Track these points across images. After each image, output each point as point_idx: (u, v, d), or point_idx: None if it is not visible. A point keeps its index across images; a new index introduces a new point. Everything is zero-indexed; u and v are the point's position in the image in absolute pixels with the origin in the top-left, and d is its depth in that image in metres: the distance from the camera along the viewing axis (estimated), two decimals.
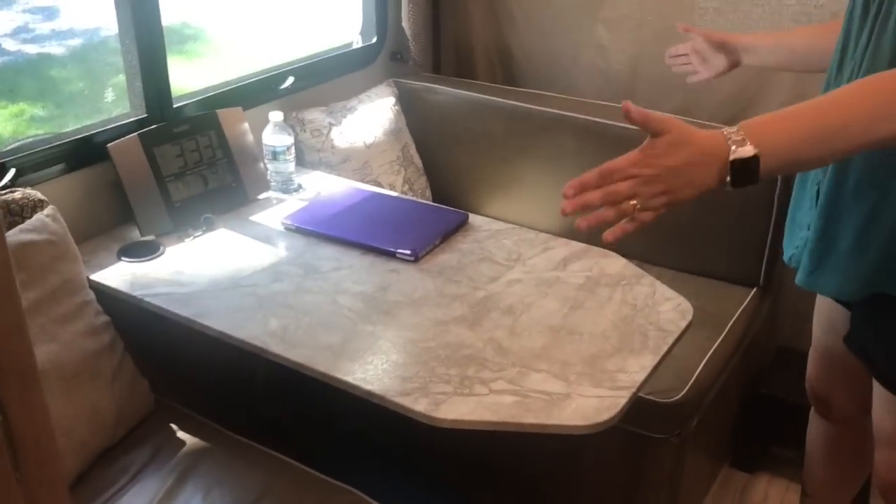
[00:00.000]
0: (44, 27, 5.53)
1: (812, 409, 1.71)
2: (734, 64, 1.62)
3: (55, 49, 5.36)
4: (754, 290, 2.07)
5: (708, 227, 2.09)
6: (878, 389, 1.35)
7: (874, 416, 1.40)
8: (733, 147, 0.98)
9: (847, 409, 1.62)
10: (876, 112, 0.98)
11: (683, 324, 1.41)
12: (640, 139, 2.24)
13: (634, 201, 1.01)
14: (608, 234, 1.02)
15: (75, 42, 5.15)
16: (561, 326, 1.40)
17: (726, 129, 1.00)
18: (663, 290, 1.51)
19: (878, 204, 1.19)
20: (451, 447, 1.37)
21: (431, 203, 1.98)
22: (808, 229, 1.32)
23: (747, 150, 0.97)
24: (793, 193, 1.42)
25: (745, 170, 0.97)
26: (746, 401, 2.17)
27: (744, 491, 2.15)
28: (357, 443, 1.80)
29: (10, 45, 5.29)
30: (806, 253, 1.31)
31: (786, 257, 1.42)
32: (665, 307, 1.46)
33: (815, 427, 1.72)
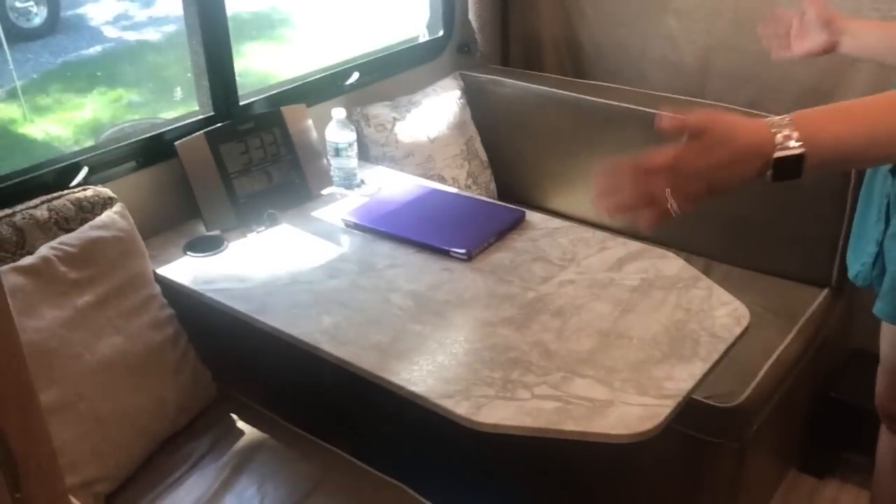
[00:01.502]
0: (142, 14, 5.75)
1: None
2: (832, 46, 1.49)
3: (152, 35, 5.57)
4: (826, 290, 2.00)
5: (778, 225, 2.02)
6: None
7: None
8: (779, 143, 0.91)
9: None
10: None
11: (738, 330, 1.38)
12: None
13: (670, 199, 0.95)
14: (643, 224, 0.96)
15: (170, 28, 5.35)
16: (610, 330, 1.38)
17: (773, 121, 0.92)
18: (720, 294, 1.47)
19: None
20: (502, 447, 1.38)
21: (489, 200, 1.98)
22: (876, 245, 1.25)
23: (794, 149, 0.90)
24: (859, 201, 1.36)
25: (788, 167, 0.91)
26: (817, 404, 2.09)
27: (811, 496, 2.09)
28: (409, 439, 1.83)
29: (111, 33, 5.52)
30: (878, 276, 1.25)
31: (851, 274, 1.36)
32: (720, 312, 1.42)
33: (885, 441, 1.66)
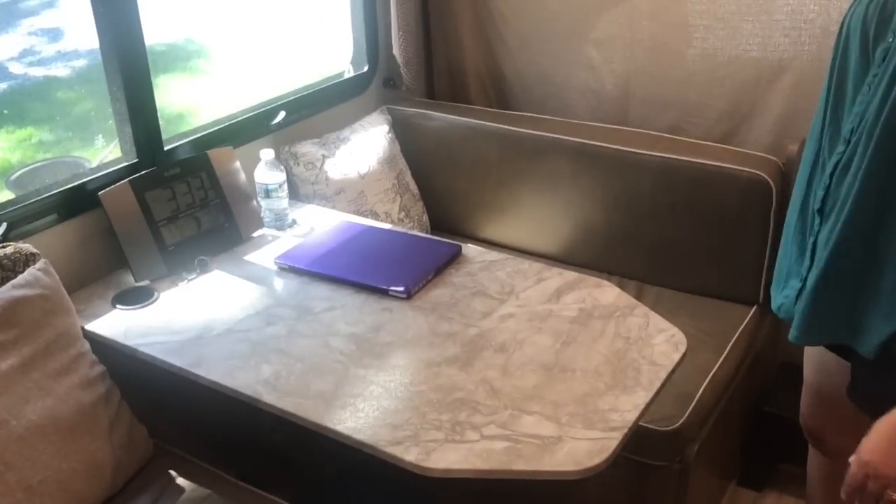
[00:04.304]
0: (49, 49, 5.56)
1: None
2: None
3: (61, 71, 5.39)
4: (754, 308, 2.06)
5: (706, 247, 2.08)
6: None
7: None
8: None
9: (841, 444, 1.60)
10: None
11: (677, 356, 1.40)
12: (633, 161, 2.23)
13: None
14: None
15: (80, 63, 5.19)
16: (553, 364, 1.39)
17: None
18: (657, 321, 1.50)
19: None
20: (447, 485, 1.37)
21: (425, 235, 1.98)
22: (802, 282, 1.29)
23: None
24: (784, 233, 1.40)
25: None
26: (751, 419, 2.15)
27: None
28: (354, 481, 1.80)
29: (17, 69, 5.33)
30: (802, 309, 1.28)
31: (774, 306, 1.40)
32: (658, 339, 1.45)
33: (812, 457, 1.71)
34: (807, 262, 1.28)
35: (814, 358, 1.53)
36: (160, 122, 1.83)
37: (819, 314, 1.26)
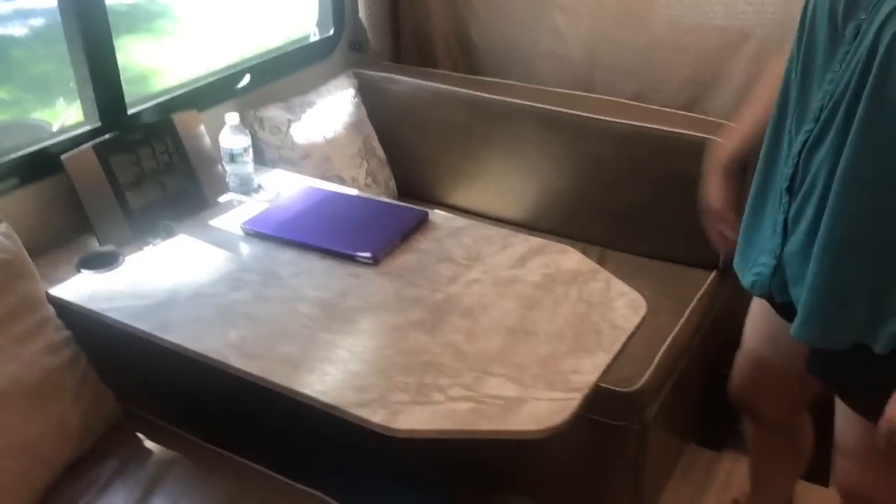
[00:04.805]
0: (6, 7, 5.41)
1: None
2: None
3: (18, 30, 5.25)
4: (714, 272, 2.11)
5: (667, 212, 2.12)
6: (843, 406, 1.35)
7: (837, 427, 1.40)
8: None
9: (775, 416, 1.65)
10: None
11: (637, 319, 1.44)
12: (597, 128, 2.24)
13: None
14: None
15: (38, 22, 5.05)
16: (518, 327, 1.42)
17: None
18: (617, 285, 1.53)
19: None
20: (416, 447, 1.39)
21: (391, 201, 1.99)
22: (774, 258, 1.31)
23: None
24: (747, 209, 1.40)
25: None
26: (710, 381, 2.21)
27: (709, 468, 2.20)
28: (324, 445, 1.82)
29: None
30: (808, 306, 1.25)
31: (745, 283, 1.38)
32: (619, 303, 1.48)
33: (747, 427, 1.76)
34: (778, 239, 1.29)
35: (762, 329, 1.55)
36: (123, 85, 1.81)
37: (834, 309, 1.22)
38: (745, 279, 1.40)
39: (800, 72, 1.24)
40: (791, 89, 1.26)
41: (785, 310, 1.36)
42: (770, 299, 1.39)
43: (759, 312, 1.55)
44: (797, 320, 1.27)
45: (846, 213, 1.15)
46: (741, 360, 1.64)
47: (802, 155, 1.22)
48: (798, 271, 1.27)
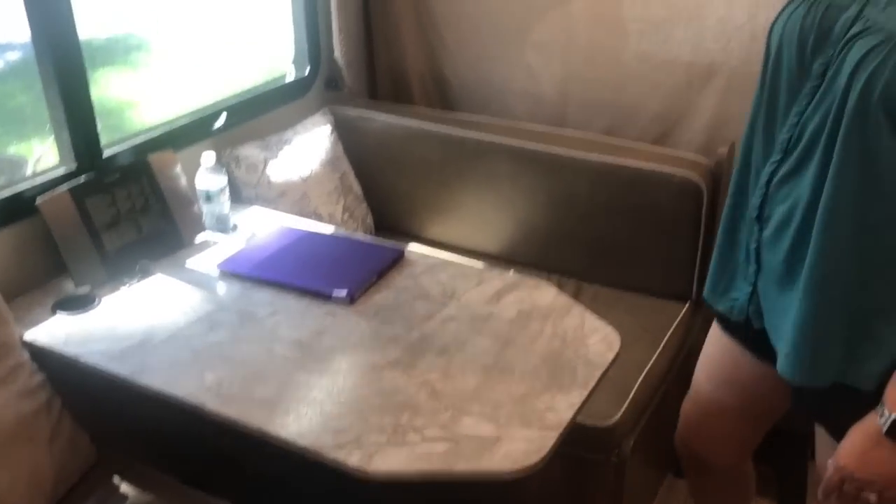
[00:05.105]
0: None
1: None
2: None
3: None
4: (687, 304, 2.14)
5: (641, 246, 2.15)
6: (824, 439, 1.33)
7: (819, 461, 1.37)
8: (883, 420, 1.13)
9: (724, 463, 1.63)
10: None
11: (610, 355, 1.46)
12: (570, 164, 2.27)
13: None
14: None
15: (14, 56, 5.04)
16: (493, 365, 1.43)
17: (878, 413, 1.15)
18: (591, 322, 1.55)
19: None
20: (393, 484, 1.40)
21: (367, 239, 2.00)
22: (749, 284, 1.32)
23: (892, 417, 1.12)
24: (718, 238, 1.42)
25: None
26: None
27: (687, 500, 2.21)
28: (300, 486, 1.82)
29: None
30: (791, 343, 1.24)
31: (723, 308, 1.39)
32: (593, 339, 1.50)
33: (689, 479, 1.75)
34: (752, 267, 1.32)
35: (721, 370, 1.51)
36: (99, 124, 1.82)
37: (819, 347, 1.21)
38: (723, 305, 1.40)
39: (766, 101, 1.26)
40: (758, 119, 1.28)
41: (756, 342, 1.37)
42: (745, 327, 1.39)
43: (716, 353, 1.52)
44: (781, 357, 1.26)
45: (828, 252, 1.15)
46: (691, 407, 1.62)
47: (771, 186, 1.24)
48: (773, 304, 1.29)
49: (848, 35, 1.09)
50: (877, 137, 1.07)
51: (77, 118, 1.75)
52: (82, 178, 1.74)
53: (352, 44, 2.46)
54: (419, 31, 2.53)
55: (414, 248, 2.33)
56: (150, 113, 4.49)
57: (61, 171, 1.77)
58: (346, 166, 2.40)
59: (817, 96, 1.15)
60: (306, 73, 2.42)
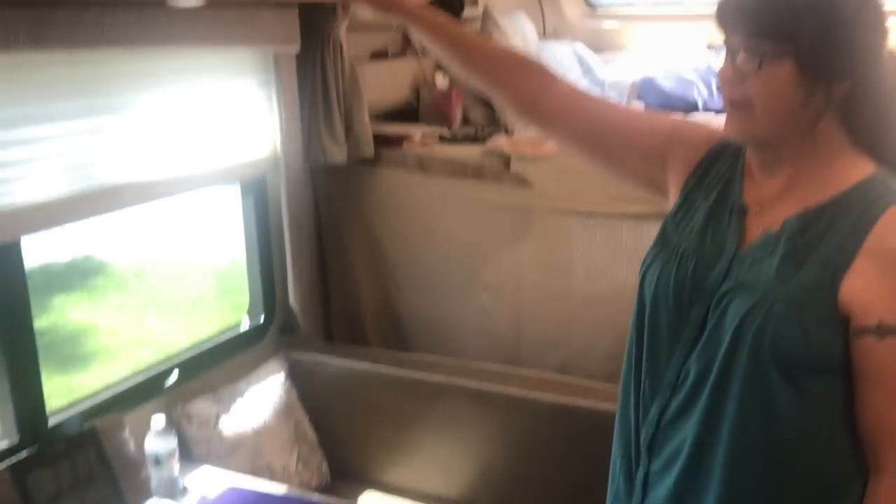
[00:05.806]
0: None
1: None
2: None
3: None
4: None
5: (605, 489, 2.10)
6: None
7: None
8: None
9: None
10: None
11: None
12: (526, 405, 2.25)
13: None
14: None
15: None
16: None
17: None
18: None
19: None
20: None
21: (318, 498, 1.94)
22: None
23: None
24: (611, 472, 1.40)
25: None
26: None
27: None
28: None
29: None
30: None
31: None
32: None
33: None
34: (638, 494, 1.29)
35: None
36: (45, 394, 1.79)
37: None
38: None
39: (648, 342, 1.27)
40: (643, 351, 1.29)
41: None
42: None
43: None
44: None
45: (732, 491, 1.16)
46: None
47: (662, 422, 1.24)
48: None
49: (722, 290, 1.16)
50: (772, 386, 1.11)
51: (23, 391, 1.72)
52: (24, 454, 1.69)
53: (307, 289, 2.51)
54: (373, 274, 2.60)
55: (369, 498, 2.27)
56: (108, 337, 4.45)
57: (3, 445, 1.72)
58: (300, 414, 2.37)
59: (700, 345, 1.19)
60: (261, 320, 2.44)
